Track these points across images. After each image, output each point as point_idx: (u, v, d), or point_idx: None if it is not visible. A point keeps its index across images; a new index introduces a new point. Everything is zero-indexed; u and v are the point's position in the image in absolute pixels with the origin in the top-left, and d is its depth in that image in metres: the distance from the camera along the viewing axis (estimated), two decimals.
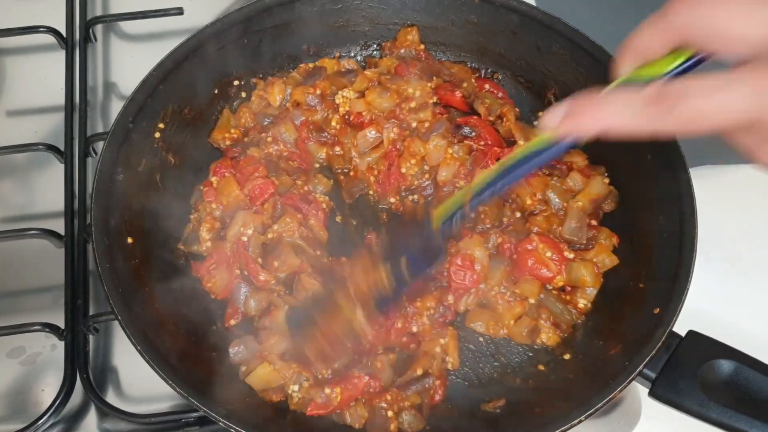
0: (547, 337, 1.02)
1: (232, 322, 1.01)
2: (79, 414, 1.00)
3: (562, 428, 0.85)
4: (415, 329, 1.00)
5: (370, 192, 1.14)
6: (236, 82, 1.18)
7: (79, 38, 1.27)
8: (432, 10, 1.20)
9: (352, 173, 1.14)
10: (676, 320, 0.89)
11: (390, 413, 0.94)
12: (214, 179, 1.09)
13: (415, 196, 1.12)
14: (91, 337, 1.03)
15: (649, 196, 1.02)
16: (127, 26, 1.33)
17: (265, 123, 1.16)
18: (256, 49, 1.16)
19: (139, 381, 1.02)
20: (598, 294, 1.03)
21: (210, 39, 1.10)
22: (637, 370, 0.87)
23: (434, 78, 1.18)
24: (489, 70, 1.23)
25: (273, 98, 1.16)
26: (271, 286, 1.01)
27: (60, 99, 1.20)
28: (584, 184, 1.08)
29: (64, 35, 1.26)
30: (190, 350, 0.95)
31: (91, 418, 1.00)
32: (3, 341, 1.02)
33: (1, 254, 1.11)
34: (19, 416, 0.99)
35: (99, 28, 1.32)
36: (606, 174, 1.09)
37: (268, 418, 0.94)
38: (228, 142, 1.15)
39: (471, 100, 1.18)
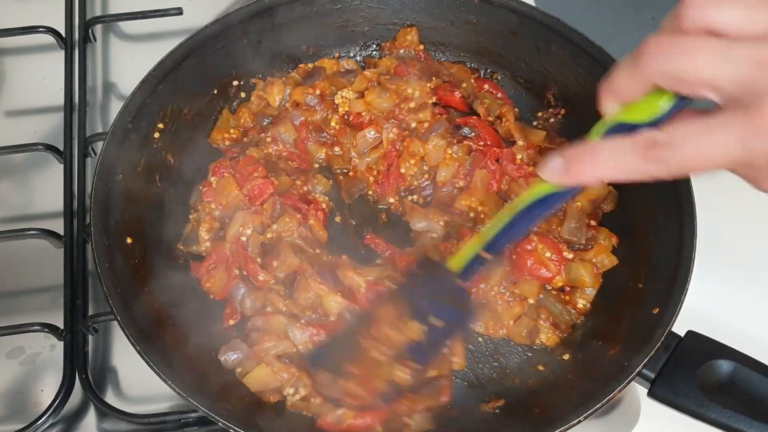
0: (547, 337, 1.02)
1: (231, 322, 1.01)
2: (79, 414, 1.00)
3: (562, 428, 0.85)
4: None
5: (370, 192, 1.14)
6: (235, 83, 1.18)
7: (78, 38, 1.26)
8: (431, 11, 1.19)
9: (351, 173, 1.14)
10: (675, 320, 0.89)
11: (405, 419, 0.93)
12: (213, 179, 1.09)
13: (415, 197, 1.12)
14: (90, 338, 1.03)
15: (648, 197, 1.02)
16: (127, 26, 1.32)
17: (265, 123, 1.16)
18: (255, 49, 1.16)
19: (139, 381, 1.02)
20: (598, 294, 1.03)
21: (209, 39, 1.10)
22: (636, 370, 0.87)
23: (433, 78, 1.18)
24: (488, 71, 1.23)
25: (272, 98, 1.16)
26: (270, 286, 1.01)
27: (59, 99, 1.20)
28: None
29: (64, 35, 1.26)
30: (189, 350, 0.95)
31: (91, 418, 1.00)
32: (2, 341, 1.02)
33: (0, 254, 1.11)
34: (18, 416, 0.99)
35: (98, 28, 1.32)
36: None
37: (268, 418, 0.93)
38: (227, 143, 1.15)
39: (470, 100, 1.18)
